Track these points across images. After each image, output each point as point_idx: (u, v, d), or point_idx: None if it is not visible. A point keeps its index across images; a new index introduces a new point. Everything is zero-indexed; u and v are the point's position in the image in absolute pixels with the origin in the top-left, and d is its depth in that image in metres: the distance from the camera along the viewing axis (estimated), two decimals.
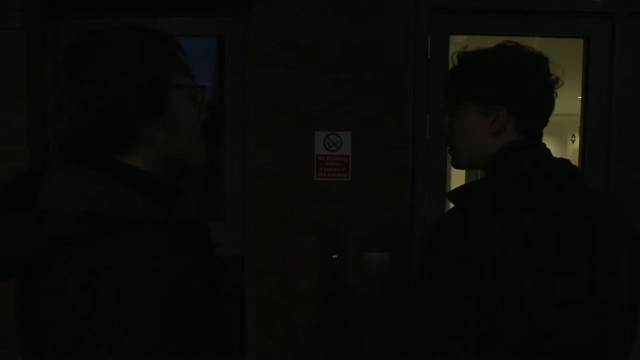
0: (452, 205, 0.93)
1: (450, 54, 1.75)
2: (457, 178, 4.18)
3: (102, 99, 0.63)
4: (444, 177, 1.80)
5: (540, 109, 0.91)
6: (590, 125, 1.81)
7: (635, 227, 0.89)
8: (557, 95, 0.94)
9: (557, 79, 0.92)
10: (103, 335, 0.52)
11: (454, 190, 0.93)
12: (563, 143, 7.04)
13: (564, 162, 0.91)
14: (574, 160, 1.88)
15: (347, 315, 1.74)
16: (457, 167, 1.02)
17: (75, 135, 0.64)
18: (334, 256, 1.71)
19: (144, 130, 0.66)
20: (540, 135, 0.94)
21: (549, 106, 0.92)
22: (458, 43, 1.84)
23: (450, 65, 1.00)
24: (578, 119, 1.88)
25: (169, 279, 0.57)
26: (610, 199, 0.92)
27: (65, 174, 0.62)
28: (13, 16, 1.68)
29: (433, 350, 0.81)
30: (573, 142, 6.82)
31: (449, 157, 1.05)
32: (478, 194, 0.86)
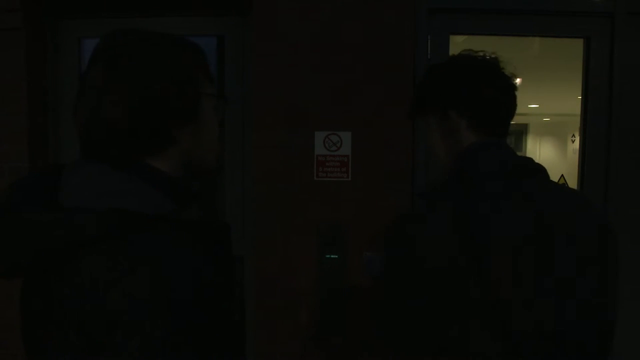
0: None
1: (450, 54, 1.77)
2: None
3: (141, 101, 0.63)
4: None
5: (489, 109, 0.93)
6: (590, 125, 1.81)
7: (602, 218, 0.89)
8: (514, 95, 0.96)
9: (513, 83, 0.96)
10: (134, 331, 0.53)
11: (427, 192, 1.00)
12: (563, 143, 7.04)
13: (525, 161, 0.92)
14: (574, 160, 1.88)
15: (346, 315, 1.74)
16: (443, 174, 1.04)
17: (107, 135, 0.63)
18: (334, 256, 1.71)
19: (176, 134, 0.67)
20: (502, 134, 0.96)
21: (500, 106, 0.94)
22: (458, 43, 1.84)
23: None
24: (578, 119, 1.88)
25: (198, 277, 0.58)
26: (572, 193, 0.94)
27: (90, 172, 0.63)
28: (13, 16, 1.68)
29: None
30: (573, 142, 6.83)
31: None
32: (436, 199, 0.90)
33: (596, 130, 1.80)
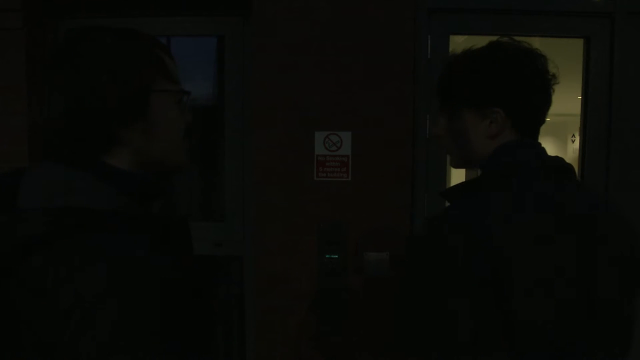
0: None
1: (450, 54, 1.76)
2: (457, 178, 4.18)
3: (80, 99, 0.63)
4: (444, 177, 1.80)
5: (536, 107, 0.90)
6: (590, 125, 1.80)
7: (632, 226, 0.88)
8: (554, 91, 0.92)
9: (554, 75, 0.92)
10: (85, 327, 0.52)
11: (449, 188, 0.94)
12: (563, 143, 7.04)
13: (559, 160, 0.90)
14: (574, 160, 1.89)
15: (347, 315, 1.74)
16: (454, 166, 1.03)
17: (53, 133, 0.64)
18: (334, 256, 1.71)
19: (122, 133, 0.66)
20: (537, 134, 0.93)
21: (546, 104, 0.91)
22: (458, 43, 1.84)
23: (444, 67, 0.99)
24: (578, 119, 1.88)
25: (153, 274, 0.58)
26: (604, 198, 0.93)
27: (41, 172, 0.63)
28: (13, 16, 1.68)
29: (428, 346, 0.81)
30: (573, 142, 6.83)
31: (449, 157, 1.05)
32: (477, 191, 0.86)
33: (596, 130, 1.80)
